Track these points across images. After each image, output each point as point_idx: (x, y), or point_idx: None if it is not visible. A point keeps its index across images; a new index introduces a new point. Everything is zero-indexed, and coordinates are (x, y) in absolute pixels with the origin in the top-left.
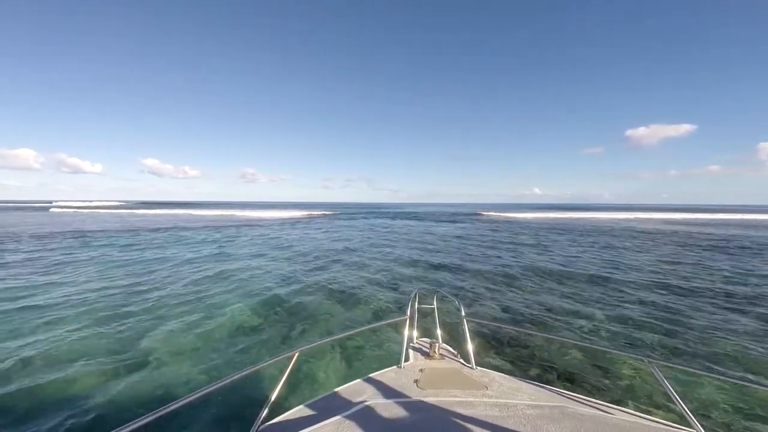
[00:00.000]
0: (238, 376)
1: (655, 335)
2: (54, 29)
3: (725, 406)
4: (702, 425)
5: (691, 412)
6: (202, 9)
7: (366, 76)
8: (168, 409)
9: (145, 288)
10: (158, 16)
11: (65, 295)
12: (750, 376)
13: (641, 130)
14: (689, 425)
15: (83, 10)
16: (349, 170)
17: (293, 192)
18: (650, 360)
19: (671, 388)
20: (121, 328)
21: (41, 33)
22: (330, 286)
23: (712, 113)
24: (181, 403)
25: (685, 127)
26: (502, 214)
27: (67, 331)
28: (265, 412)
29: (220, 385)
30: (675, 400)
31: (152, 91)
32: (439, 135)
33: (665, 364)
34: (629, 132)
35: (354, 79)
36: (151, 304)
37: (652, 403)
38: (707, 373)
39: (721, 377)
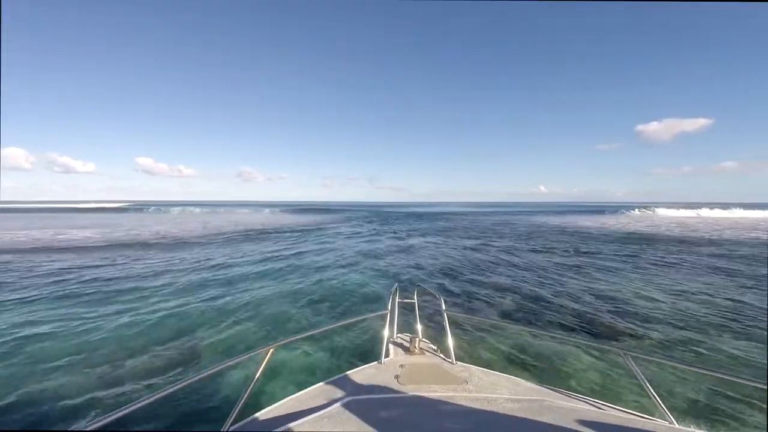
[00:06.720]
0: (209, 372)
1: None
2: (42, 25)
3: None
4: (674, 416)
5: (663, 403)
6: (199, 4)
7: (367, 72)
8: (133, 407)
9: None
10: (153, 11)
11: None
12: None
13: (653, 125)
14: (662, 416)
15: (75, 6)
16: (350, 169)
17: (291, 191)
18: (626, 352)
19: (645, 381)
20: None
21: (27, 28)
22: None
23: (731, 104)
24: (147, 401)
25: (701, 121)
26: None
27: None
28: (237, 410)
29: (188, 382)
30: (649, 392)
31: (148, 89)
32: (444, 132)
33: (642, 356)
34: (640, 127)
35: (355, 75)
36: None
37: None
38: (684, 365)
39: (697, 369)
